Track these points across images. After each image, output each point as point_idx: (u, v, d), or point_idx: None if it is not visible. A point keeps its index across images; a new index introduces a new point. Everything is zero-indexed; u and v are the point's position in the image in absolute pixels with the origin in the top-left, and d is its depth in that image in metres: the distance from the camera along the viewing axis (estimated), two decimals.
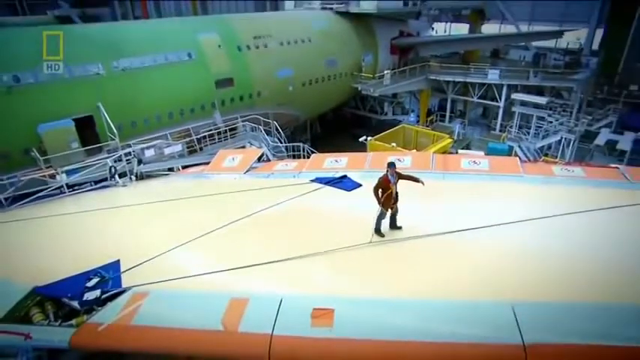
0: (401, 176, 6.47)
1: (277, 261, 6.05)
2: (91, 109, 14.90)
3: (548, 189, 8.36)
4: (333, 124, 31.33)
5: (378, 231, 6.57)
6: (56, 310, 5.79)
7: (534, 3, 36.75)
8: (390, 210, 6.57)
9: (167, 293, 5.69)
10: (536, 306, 4.82)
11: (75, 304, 5.72)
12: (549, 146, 24.31)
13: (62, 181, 11.75)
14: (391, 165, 6.33)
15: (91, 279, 6.15)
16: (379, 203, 6.41)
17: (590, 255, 5.89)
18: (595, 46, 34.70)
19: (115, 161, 12.52)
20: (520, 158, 22.91)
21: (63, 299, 5.85)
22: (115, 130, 14.26)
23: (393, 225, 6.77)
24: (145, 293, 5.65)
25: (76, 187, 11.80)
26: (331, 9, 27.28)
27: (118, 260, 6.53)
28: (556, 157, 23.32)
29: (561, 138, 23.06)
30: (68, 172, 12.36)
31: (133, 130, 16.07)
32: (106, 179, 12.18)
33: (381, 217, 6.54)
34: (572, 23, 34.15)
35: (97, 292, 5.81)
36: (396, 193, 6.41)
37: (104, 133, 14.82)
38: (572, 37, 34.33)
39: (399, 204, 6.62)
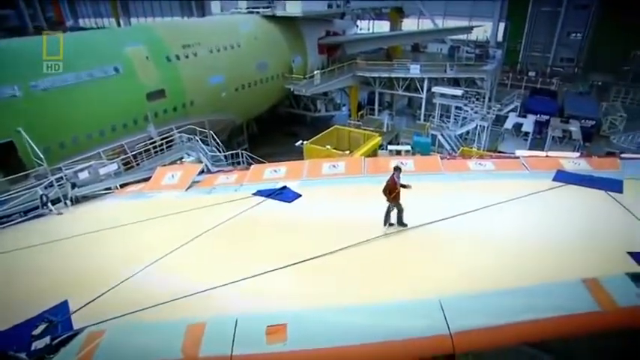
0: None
1: (231, 282, 6.13)
2: (11, 134, 14.05)
3: (465, 185, 9.02)
4: (269, 123, 31.62)
5: (401, 223, 7.25)
6: None
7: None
8: (390, 204, 7.19)
9: (124, 328, 5.45)
10: (460, 296, 5.22)
11: (23, 356, 5.21)
12: (467, 132, 26.95)
13: None
14: (397, 169, 6.98)
15: (37, 326, 5.62)
16: (389, 202, 7.03)
17: (506, 243, 6.45)
18: (500, 38, 38.91)
19: (46, 188, 11.81)
20: (443, 145, 25.49)
21: (8, 353, 5.30)
22: (41, 155, 13.57)
23: (387, 219, 7.35)
24: (101, 331, 5.35)
25: (2, 221, 10.88)
26: (257, 12, 27.32)
27: (66, 300, 6.09)
28: (474, 142, 26.09)
29: (477, 125, 25.77)
30: None
31: (63, 152, 15.37)
32: (37, 208, 11.34)
33: (401, 212, 7.17)
34: (480, 18, 37.88)
35: (47, 340, 5.33)
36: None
37: (29, 158, 14.03)
38: (481, 31, 38.00)
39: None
